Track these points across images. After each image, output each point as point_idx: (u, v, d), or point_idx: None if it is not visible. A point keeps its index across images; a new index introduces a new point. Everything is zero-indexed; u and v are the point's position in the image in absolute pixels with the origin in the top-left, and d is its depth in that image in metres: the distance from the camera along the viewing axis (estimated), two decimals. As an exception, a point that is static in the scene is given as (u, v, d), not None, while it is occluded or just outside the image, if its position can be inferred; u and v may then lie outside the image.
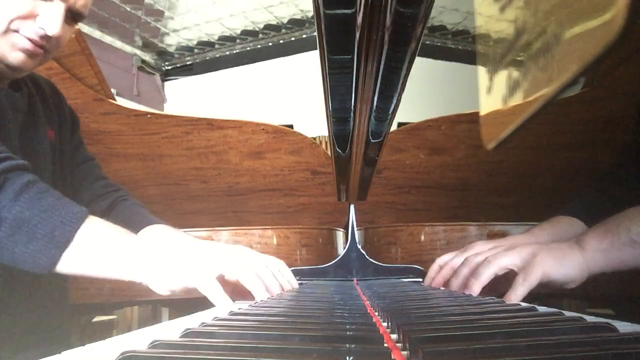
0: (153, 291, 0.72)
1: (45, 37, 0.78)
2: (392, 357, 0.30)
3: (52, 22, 0.77)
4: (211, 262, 0.72)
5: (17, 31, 0.76)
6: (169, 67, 3.90)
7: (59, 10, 0.78)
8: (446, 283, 0.85)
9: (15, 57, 0.78)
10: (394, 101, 0.64)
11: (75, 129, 1.01)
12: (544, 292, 0.78)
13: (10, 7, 0.75)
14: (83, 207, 0.70)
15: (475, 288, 0.72)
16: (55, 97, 0.97)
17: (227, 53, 3.80)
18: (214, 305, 0.69)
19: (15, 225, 0.64)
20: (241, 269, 0.72)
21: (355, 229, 1.18)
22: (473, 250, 0.82)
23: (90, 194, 0.99)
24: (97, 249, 0.69)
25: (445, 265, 0.87)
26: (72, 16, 0.81)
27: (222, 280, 0.71)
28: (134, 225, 0.85)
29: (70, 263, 0.67)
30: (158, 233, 0.89)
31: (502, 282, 0.73)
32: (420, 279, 1.10)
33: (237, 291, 0.75)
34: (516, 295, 0.68)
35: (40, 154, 0.88)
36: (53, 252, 0.66)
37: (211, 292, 0.68)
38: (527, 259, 0.70)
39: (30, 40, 0.77)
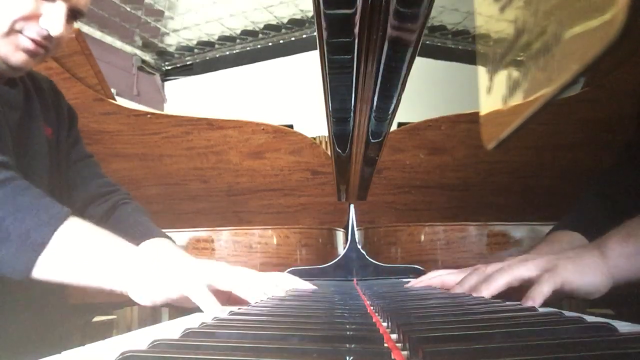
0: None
1: (48, 37, 0.78)
2: (392, 357, 0.30)
3: (55, 23, 0.76)
4: (202, 272, 0.66)
5: (20, 32, 0.76)
6: (169, 67, 3.90)
7: (62, 10, 0.77)
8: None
9: (18, 58, 0.77)
10: (394, 101, 0.64)
11: (73, 124, 0.99)
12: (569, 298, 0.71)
13: (14, 8, 0.74)
14: (65, 207, 0.66)
15: (485, 294, 0.65)
16: (53, 94, 0.96)
17: (227, 53, 3.80)
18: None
19: None
20: (235, 279, 0.67)
21: (355, 229, 1.18)
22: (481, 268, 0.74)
23: (88, 194, 0.96)
24: (75, 254, 0.63)
25: (438, 277, 0.82)
26: (73, 15, 0.81)
27: (215, 291, 0.65)
28: (135, 236, 0.81)
29: (46, 268, 0.62)
30: (155, 248, 0.84)
31: (515, 296, 0.66)
32: (420, 279, 1.10)
33: (231, 301, 0.70)
34: (541, 291, 0.61)
35: (37, 152, 0.86)
36: (28, 255, 0.61)
37: (201, 298, 0.62)
38: (546, 266, 0.64)
39: (33, 40, 0.77)
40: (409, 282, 0.95)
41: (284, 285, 0.76)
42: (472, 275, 0.71)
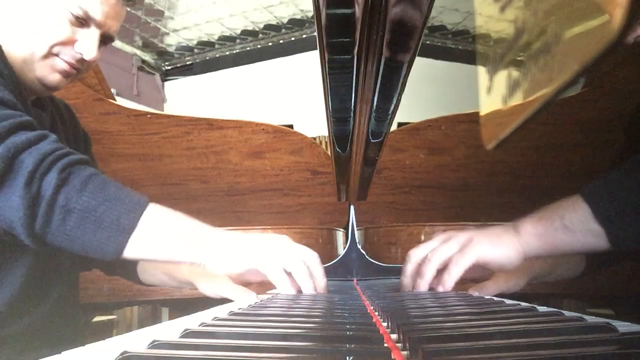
0: (193, 284, 0.80)
1: (81, 61, 0.85)
2: (392, 357, 0.30)
3: (89, 48, 0.84)
4: (274, 251, 0.76)
5: (57, 55, 0.83)
6: (169, 67, 3.90)
7: (95, 36, 0.84)
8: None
9: (54, 78, 0.84)
10: (394, 101, 0.64)
11: (88, 147, 1.05)
12: (480, 277, 0.81)
13: (52, 33, 0.81)
14: (144, 195, 0.73)
15: (422, 287, 0.77)
16: (70, 118, 1.01)
17: (227, 53, 3.80)
18: (213, 306, 0.69)
19: (83, 215, 0.67)
20: (298, 267, 0.75)
21: (355, 229, 1.18)
22: (422, 249, 0.82)
23: None
24: (160, 233, 0.72)
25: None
26: (104, 40, 0.88)
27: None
28: None
29: (136, 248, 0.70)
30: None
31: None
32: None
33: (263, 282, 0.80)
34: (450, 276, 0.73)
35: None
36: (120, 238, 0.69)
37: (278, 278, 0.74)
38: (463, 243, 0.75)
39: (68, 63, 0.83)
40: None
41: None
42: (407, 275, 0.81)
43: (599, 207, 0.70)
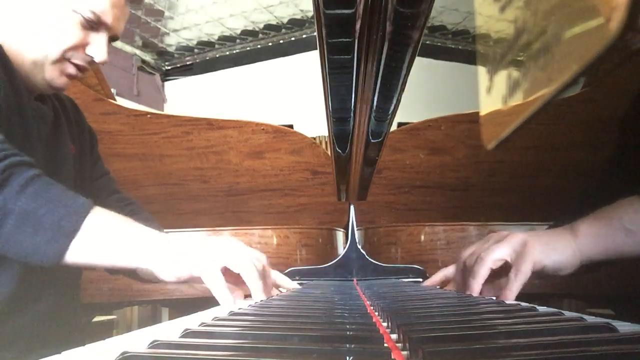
0: (159, 279, 0.74)
1: (91, 63, 0.86)
2: (392, 357, 0.30)
3: (100, 51, 0.85)
4: (216, 254, 0.73)
5: (68, 59, 0.83)
6: (169, 67, 3.90)
7: (106, 39, 0.85)
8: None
9: (62, 81, 0.85)
10: (394, 101, 0.64)
11: (94, 144, 1.05)
12: (539, 281, 0.78)
13: (65, 38, 0.81)
14: (89, 199, 0.71)
15: (475, 288, 0.72)
16: (76, 113, 1.01)
17: (227, 53, 3.80)
18: (213, 305, 0.69)
19: (21, 217, 0.64)
20: (245, 265, 0.73)
21: (355, 229, 1.18)
22: (469, 249, 0.80)
23: (107, 206, 1.01)
24: (104, 238, 0.70)
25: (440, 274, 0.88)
26: (110, 40, 0.88)
27: (225, 271, 0.73)
28: None
29: (78, 253, 0.68)
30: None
31: (502, 275, 0.73)
32: (420, 279, 1.10)
33: (238, 282, 0.77)
34: (512, 292, 0.68)
35: (63, 167, 0.90)
36: (61, 241, 0.66)
37: (214, 284, 0.71)
38: (517, 248, 0.70)
39: (78, 66, 0.85)
40: (409, 282, 0.95)
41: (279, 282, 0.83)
42: (458, 272, 0.77)
43: None
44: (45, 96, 0.90)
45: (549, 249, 0.69)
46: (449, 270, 0.85)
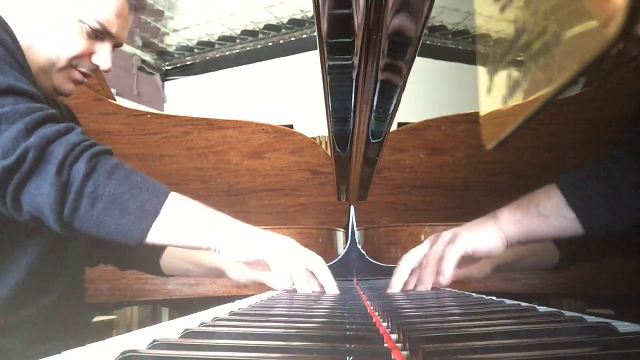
0: (223, 269, 0.85)
1: (96, 71, 0.90)
2: (392, 357, 0.30)
3: (105, 60, 0.88)
4: (285, 250, 0.81)
5: (75, 67, 0.87)
6: (169, 67, 3.90)
7: (110, 47, 0.89)
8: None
9: (68, 88, 0.89)
10: (394, 101, 0.64)
11: None
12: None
13: (71, 47, 0.85)
14: (165, 185, 0.78)
15: (423, 288, 0.81)
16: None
17: (227, 53, 3.80)
18: (213, 305, 0.69)
19: (109, 201, 0.71)
20: (299, 273, 0.80)
21: (355, 229, 1.18)
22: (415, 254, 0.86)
23: None
24: (181, 220, 0.77)
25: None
26: (114, 46, 0.91)
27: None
28: None
29: (158, 233, 0.74)
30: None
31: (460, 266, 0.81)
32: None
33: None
34: (446, 267, 0.77)
35: None
36: (144, 223, 0.73)
37: (279, 268, 0.79)
38: (450, 239, 0.79)
39: (84, 74, 0.88)
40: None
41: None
42: (398, 277, 0.83)
43: (572, 194, 0.74)
44: (48, 102, 0.92)
45: (477, 234, 0.79)
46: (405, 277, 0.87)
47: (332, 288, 0.81)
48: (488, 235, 0.78)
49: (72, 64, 0.86)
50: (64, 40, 0.84)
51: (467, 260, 0.80)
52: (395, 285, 0.83)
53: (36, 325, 0.83)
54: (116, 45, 0.91)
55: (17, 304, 0.80)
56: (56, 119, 0.73)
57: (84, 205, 0.70)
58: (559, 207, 0.74)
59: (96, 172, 0.71)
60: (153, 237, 0.74)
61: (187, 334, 0.37)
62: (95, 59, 0.87)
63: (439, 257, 0.79)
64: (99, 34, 0.86)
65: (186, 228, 0.77)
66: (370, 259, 1.15)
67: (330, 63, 0.52)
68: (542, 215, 0.76)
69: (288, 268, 0.80)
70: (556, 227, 0.75)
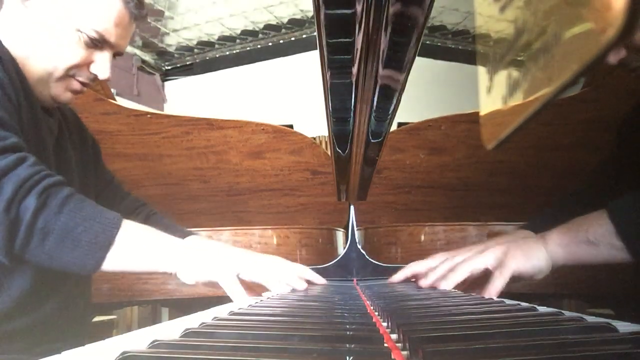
0: (180, 282, 0.82)
1: (95, 79, 0.89)
2: (392, 357, 0.30)
3: (104, 69, 0.87)
4: (233, 262, 0.83)
5: (72, 77, 0.86)
6: (169, 67, 3.90)
7: (109, 57, 0.87)
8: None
9: (67, 97, 0.88)
10: (394, 101, 0.64)
11: (98, 156, 1.08)
12: (515, 285, 0.85)
13: (69, 57, 0.84)
14: (117, 213, 0.78)
15: (445, 286, 0.81)
16: (76, 123, 1.03)
17: (227, 53, 3.80)
18: (213, 306, 0.69)
19: (61, 235, 0.71)
20: (263, 272, 0.83)
21: (355, 229, 1.18)
22: (455, 255, 0.87)
23: (123, 211, 1.02)
24: (135, 247, 0.78)
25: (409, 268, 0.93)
26: (114, 55, 0.91)
27: (242, 280, 0.83)
28: (175, 236, 0.92)
29: (112, 262, 0.75)
30: (195, 240, 0.98)
31: (481, 282, 0.81)
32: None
33: (252, 286, 0.86)
34: (495, 288, 0.77)
35: (69, 177, 0.92)
36: (98, 254, 0.74)
37: (229, 286, 0.80)
38: (500, 257, 0.80)
39: (82, 83, 0.87)
40: (408, 282, 0.94)
41: (307, 277, 0.89)
42: (437, 268, 0.85)
43: (621, 223, 0.74)
44: (51, 109, 0.92)
45: (527, 258, 0.79)
46: (419, 268, 0.90)
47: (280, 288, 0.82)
48: (537, 260, 0.79)
49: (70, 73, 0.85)
50: (61, 50, 0.84)
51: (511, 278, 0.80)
52: (414, 272, 0.86)
53: (43, 327, 0.84)
54: (117, 54, 0.90)
55: (25, 309, 0.81)
56: (10, 149, 0.71)
57: (35, 240, 0.70)
58: (608, 235, 0.75)
59: (47, 207, 0.70)
60: (107, 265, 0.75)
61: (187, 334, 0.37)
62: (93, 68, 0.86)
63: (481, 269, 0.80)
64: (97, 44, 0.85)
65: (141, 254, 0.79)
66: (370, 259, 1.15)
67: (330, 63, 0.52)
68: (591, 242, 0.77)
69: (235, 283, 0.81)
70: (604, 254, 0.76)
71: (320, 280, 0.93)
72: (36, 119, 0.83)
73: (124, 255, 0.76)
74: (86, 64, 0.86)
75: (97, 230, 0.73)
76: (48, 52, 0.83)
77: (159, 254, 0.80)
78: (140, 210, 1.08)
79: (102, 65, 0.86)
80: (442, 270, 0.84)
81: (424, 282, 0.85)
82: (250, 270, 0.83)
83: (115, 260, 0.75)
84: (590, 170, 1.10)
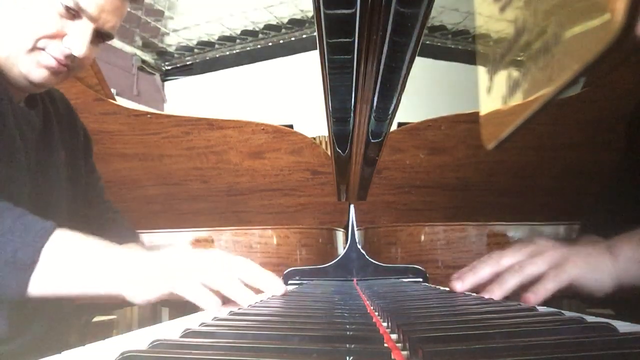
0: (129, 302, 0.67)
1: (71, 57, 0.77)
2: (392, 357, 0.30)
3: (79, 43, 0.76)
4: (194, 270, 0.67)
5: (43, 49, 0.76)
6: (169, 67, 3.90)
7: (87, 30, 0.77)
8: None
9: (39, 74, 0.77)
10: (394, 101, 0.64)
11: (89, 149, 0.99)
12: (569, 297, 0.73)
13: (38, 26, 0.74)
14: (49, 222, 0.65)
15: (496, 296, 0.66)
16: (68, 115, 0.95)
17: (227, 53, 3.80)
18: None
19: None
20: (221, 279, 0.66)
21: (355, 229, 1.18)
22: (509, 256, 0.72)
23: (96, 218, 0.98)
24: (66, 266, 0.63)
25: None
26: (100, 36, 0.80)
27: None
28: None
29: (41, 285, 0.62)
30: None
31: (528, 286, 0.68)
32: (420, 279, 1.10)
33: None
34: (545, 289, 0.63)
35: (55, 175, 0.86)
36: (20, 276, 0.60)
37: (196, 297, 0.64)
38: (556, 263, 0.66)
39: (55, 59, 0.76)
40: (409, 282, 0.94)
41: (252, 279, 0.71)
42: (484, 269, 0.70)
43: None
44: (35, 101, 0.85)
45: (590, 269, 0.65)
46: (482, 276, 0.74)
47: (272, 287, 0.68)
48: (601, 274, 0.65)
49: (39, 45, 0.74)
50: (31, 18, 0.73)
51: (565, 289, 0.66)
52: (469, 282, 0.70)
53: (35, 346, 0.78)
54: (103, 35, 0.80)
55: (14, 334, 0.73)
56: None
57: None
58: None
59: None
60: (35, 289, 0.61)
61: (187, 333, 0.37)
62: (67, 41, 0.75)
63: (536, 275, 0.65)
64: (73, 13, 0.74)
65: (74, 274, 0.63)
66: (370, 259, 1.15)
67: (330, 63, 0.52)
68: None
69: (200, 289, 0.64)
70: None
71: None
72: (13, 113, 0.75)
73: (54, 276, 0.62)
74: (60, 37, 0.75)
75: (16, 246, 0.59)
76: (16, 22, 0.73)
77: (99, 271, 0.65)
78: (106, 216, 0.97)
79: (77, 38, 0.75)
80: (489, 275, 0.69)
81: (465, 284, 0.71)
82: (212, 279, 0.66)
83: (44, 283, 0.61)
84: (607, 174, 0.96)
